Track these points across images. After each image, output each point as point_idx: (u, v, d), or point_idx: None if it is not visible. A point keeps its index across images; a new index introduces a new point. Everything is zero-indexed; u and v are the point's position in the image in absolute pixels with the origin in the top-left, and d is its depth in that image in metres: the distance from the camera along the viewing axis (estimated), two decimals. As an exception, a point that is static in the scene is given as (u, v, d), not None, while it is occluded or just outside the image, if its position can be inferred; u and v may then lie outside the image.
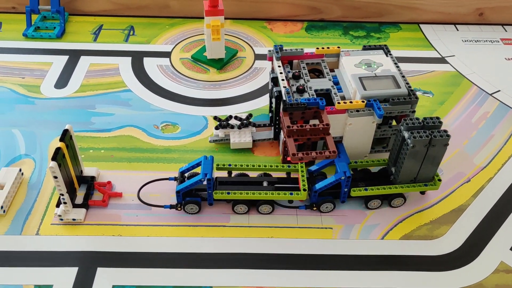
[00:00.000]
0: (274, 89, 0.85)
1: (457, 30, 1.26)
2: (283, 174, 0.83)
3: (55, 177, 0.70)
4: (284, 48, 0.89)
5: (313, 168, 0.81)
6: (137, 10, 1.27)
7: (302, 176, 0.78)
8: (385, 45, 0.91)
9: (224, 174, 0.83)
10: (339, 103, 0.79)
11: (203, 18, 1.24)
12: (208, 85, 1.06)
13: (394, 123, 0.86)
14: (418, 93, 1.05)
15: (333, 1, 1.26)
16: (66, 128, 0.75)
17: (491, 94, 1.05)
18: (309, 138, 0.75)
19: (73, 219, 0.76)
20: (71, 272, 0.70)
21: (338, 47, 0.90)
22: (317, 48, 0.90)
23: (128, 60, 1.12)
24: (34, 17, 1.22)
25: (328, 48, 0.89)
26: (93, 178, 0.82)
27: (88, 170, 0.83)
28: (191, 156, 0.89)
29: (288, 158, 0.73)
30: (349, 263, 0.73)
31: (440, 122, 0.73)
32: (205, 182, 0.75)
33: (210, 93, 1.04)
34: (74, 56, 1.12)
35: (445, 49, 1.19)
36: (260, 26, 1.26)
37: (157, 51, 1.15)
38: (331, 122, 0.77)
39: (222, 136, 0.90)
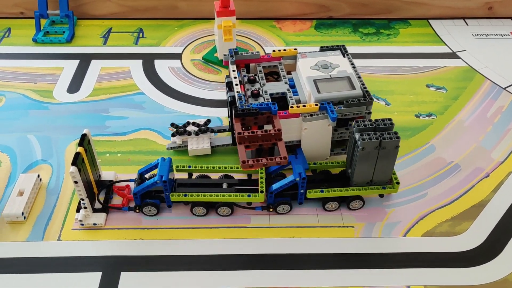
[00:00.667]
0: (228, 94, 0.83)
1: (467, 24, 1.26)
2: (244, 176, 0.82)
3: (76, 182, 0.70)
4: (239, 52, 0.88)
5: (271, 169, 0.80)
6: (145, 12, 1.26)
7: (261, 178, 0.78)
8: (343, 45, 0.89)
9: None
10: (292, 107, 0.78)
11: (212, 18, 1.24)
12: (221, 86, 1.06)
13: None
14: (431, 89, 1.05)
15: (342, -2, 1.26)
16: (84, 132, 0.75)
17: (504, 88, 1.05)
18: (260, 144, 0.73)
19: (94, 224, 0.76)
20: (95, 277, 0.70)
21: (295, 49, 0.88)
22: (273, 51, 0.88)
23: (139, 62, 1.12)
24: (43, 22, 1.22)
25: (284, 50, 0.88)
26: (111, 182, 0.82)
27: (106, 174, 0.83)
28: (207, 158, 0.89)
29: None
30: (373, 262, 0.72)
31: (392, 124, 0.72)
32: (161, 184, 0.75)
33: (223, 94, 1.03)
34: (84, 60, 1.12)
35: (456, 44, 1.18)
36: (269, 25, 1.25)
37: (167, 53, 1.15)
38: (287, 127, 0.77)
39: (179, 143, 0.89)
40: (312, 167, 0.81)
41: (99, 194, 0.79)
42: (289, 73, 0.88)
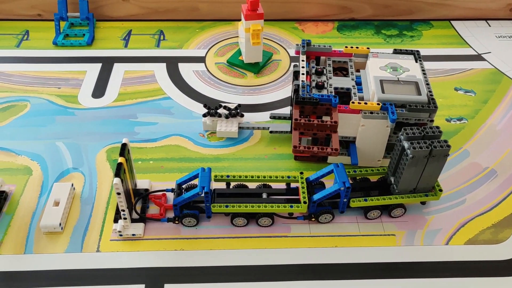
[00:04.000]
0: (294, 82, 0.85)
1: (489, 26, 1.25)
2: (282, 184, 0.81)
3: (118, 194, 0.69)
4: (312, 44, 0.89)
5: (311, 177, 0.79)
6: (166, 14, 1.24)
7: (303, 188, 0.77)
8: (417, 51, 0.89)
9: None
10: (353, 102, 0.78)
11: (232, 20, 1.23)
12: (248, 90, 1.04)
13: None
14: (459, 92, 1.04)
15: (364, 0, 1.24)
16: (124, 142, 0.73)
17: (533, 91, 1.05)
18: (315, 133, 0.75)
19: (133, 235, 0.75)
20: (138, 290, 0.69)
21: (368, 48, 0.89)
22: (346, 47, 0.89)
23: (162, 66, 1.10)
24: (61, 24, 1.20)
25: (357, 48, 0.89)
26: (147, 190, 0.81)
27: (141, 182, 0.82)
28: (241, 165, 0.87)
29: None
30: (416, 271, 0.72)
31: (440, 132, 0.71)
32: (203, 195, 0.74)
33: (251, 98, 1.02)
34: (107, 63, 1.10)
35: (480, 46, 1.18)
36: (291, 27, 1.24)
37: (191, 56, 1.13)
38: (345, 121, 0.77)
39: (209, 124, 0.92)
40: (352, 174, 0.80)
41: (136, 203, 0.78)
42: (358, 70, 0.89)
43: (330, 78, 0.85)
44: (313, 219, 0.77)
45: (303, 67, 0.85)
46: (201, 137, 0.93)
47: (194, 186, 0.79)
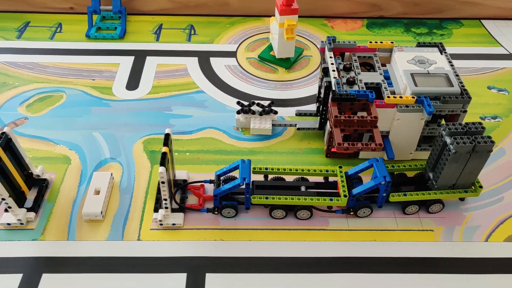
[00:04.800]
0: (324, 79, 0.85)
1: (520, 25, 1.25)
2: (320, 179, 0.82)
3: (163, 183, 0.70)
4: (337, 40, 0.89)
5: (350, 171, 0.80)
6: (196, 9, 1.25)
7: (342, 181, 0.77)
8: (440, 43, 0.89)
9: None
10: (388, 97, 0.78)
11: (262, 16, 1.24)
12: (279, 84, 1.05)
13: (443, 122, 0.84)
14: (492, 91, 1.04)
15: (394, -3, 1.24)
16: (167, 132, 0.74)
17: None
18: (356, 129, 0.75)
19: (173, 224, 0.76)
20: (180, 278, 0.70)
21: (392, 42, 0.89)
22: (370, 42, 0.89)
23: (194, 60, 1.11)
24: (93, 18, 1.21)
25: (381, 42, 0.89)
26: (185, 181, 0.82)
27: (179, 173, 0.83)
28: (276, 158, 0.88)
29: (333, 149, 0.72)
30: (456, 266, 0.72)
31: (483, 128, 0.71)
32: (243, 186, 0.74)
33: (283, 93, 1.03)
34: (139, 56, 1.11)
35: None
36: (320, 23, 1.24)
37: (222, 50, 1.14)
38: (380, 116, 0.77)
39: (243, 121, 0.93)
40: (390, 170, 0.80)
41: (175, 193, 0.79)
42: (383, 65, 0.89)
43: (359, 73, 0.85)
44: (351, 213, 0.77)
45: (332, 63, 0.85)
46: (236, 130, 0.93)
47: (233, 178, 0.80)
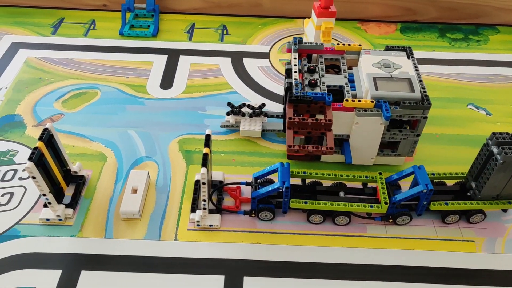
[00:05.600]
0: (286, 80, 0.84)
1: (558, 33, 1.23)
2: (358, 184, 0.81)
3: (204, 183, 0.69)
4: (304, 42, 0.88)
5: (390, 178, 0.78)
6: (228, 9, 1.25)
7: (382, 188, 0.76)
8: (409, 47, 0.87)
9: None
10: (347, 100, 0.77)
11: (294, 18, 1.23)
12: (314, 87, 1.04)
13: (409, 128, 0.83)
14: (531, 100, 1.02)
15: (429, 2, 1.22)
16: (207, 133, 0.74)
17: None
18: (309, 132, 0.73)
19: (210, 225, 0.75)
20: (218, 280, 0.69)
21: (360, 45, 0.88)
22: (338, 44, 0.88)
23: (227, 60, 1.11)
24: (126, 15, 1.21)
25: (349, 45, 0.88)
26: (221, 182, 0.81)
27: (215, 174, 0.82)
28: (310, 162, 0.87)
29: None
30: (499, 279, 0.70)
31: None
32: (281, 190, 0.74)
33: (317, 96, 1.02)
34: (173, 55, 1.11)
35: (550, 54, 1.15)
36: (353, 26, 1.23)
37: (255, 51, 1.14)
38: (339, 119, 0.77)
39: (233, 123, 0.91)
40: (430, 177, 0.79)
41: (212, 194, 0.79)
42: (350, 68, 0.88)
43: (323, 76, 0.84)
44: (390, 220, 0.76)
45: (295, 65, 0.84)
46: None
47: (269, 181, 0.79)
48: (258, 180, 0.79)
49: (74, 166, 0.81)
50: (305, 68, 0.85)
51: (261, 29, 1.21)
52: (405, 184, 0.81)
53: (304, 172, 0.79)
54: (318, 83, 0.82)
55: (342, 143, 0.84)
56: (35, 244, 0.73)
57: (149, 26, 1.19)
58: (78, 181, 0.81)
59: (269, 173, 0.78)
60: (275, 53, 1.13)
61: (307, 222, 0.77)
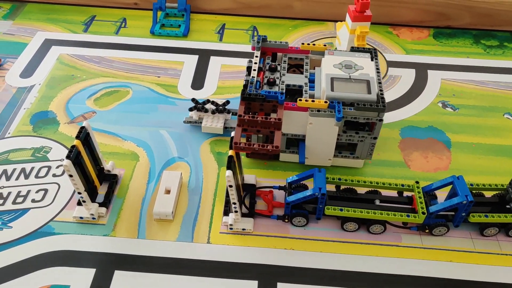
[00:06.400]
0: (244, 78, 0.83)
1: None
2: (394, 192, 0.79)
3: (230, 186, 0.69)
4: (269, 40, 0.88)
5: (426, 187, 0.77)
6: (259, 10, 1.24)
7: (420, 197, 0.74)
8: (374, 49, 0.86)
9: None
10: (300, 100, 0.76)
11: (325, 20, 1.22)
12: (345, 92, 1.03)
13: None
14: None
15: (464, 7, 1.20)
16: (232, 136, 0.73)
17: None
18: (258, 130, 0.73)
19: (243, 229, 0.75)
20: (251, 285, 0.69)
21: (325, 45, 0.86)
22: (303, 44, 0.87)
23: (258, 62, 1.10)
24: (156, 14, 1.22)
25: (314, 44, 0.87)
26: (253, 186, 0.81)
27: (247, 177, 0.82)
28: (343, 168, 0.86)
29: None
30: (539, 295, 0.69)
31: None
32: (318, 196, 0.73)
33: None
34: (203, 55, 1.11)
35: None
36: (385, 31, 1.22)
37: (285, 53, 1.13)
38: (293, 119, 0.77)
39: (196, 119, 0.91)
40: (469, 188, 0.77)
41: (245, 198, 0.78)
42: (313, 68, 0.87)
43: (284, 75, 0.83)
44: (426, 231, 0.75)
45: (255, 63, 0.84)
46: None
47: (303, 186, 0.79)
48: (292, 185, 0.79)
49: (107, 165, 0.82)
50: (267, 67, 0.85)
51: (292, 31, 1.20)
52: (440, 195, 0.79)
53: (339, 179, 0.78)
54: (277, 82, 0.82)
55: (298, 142, 0.84)
56: (69, 242, 0.73)
57: (179, 25, 1.19)
58: (111, 180, 0.81)
59: (303, 178, 0.77)
60: (306, 56, 1.12)
61: (340, 229, 0.76)
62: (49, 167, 0.84)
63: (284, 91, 0.79)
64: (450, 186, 0.76)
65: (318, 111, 0.76)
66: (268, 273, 0.70)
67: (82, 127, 0.73)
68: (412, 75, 1.08)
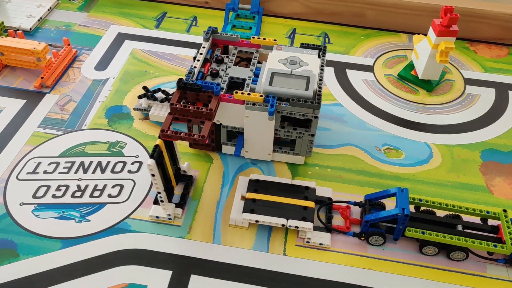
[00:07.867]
0: (188, 68, 0.82)
1: None
2: (477, 219, 0.76)
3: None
4: (219, 33, 0.88)
5: None
6: (330, 16, 1.22)
7: (508, 227, 0.70)
8: (324, 46, 0.85)
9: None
10: (236, 92, 0.75)
11: (398, 31, 1.19)
12: (421, 107, 0.99)
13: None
14: None
15: (548, 27, 1.15)
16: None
17: None
18: (189, 120, 0.72)
19: (320, 244, 0.73)
20: (329, 304, 0.67)
21: (275, 40, 0.86)
22: (253, 37, 0.87)
23: (330, 70, 1.08)
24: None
25: (264, 39, 0.86)
26: (330, 199, 0.79)
27: (322, 190, 0.80)
28: (423, 188, 0.83)
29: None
30: None
31: None
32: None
33: (426, 117, 0.97)
34: (274, 60, 1.10)
35: None
36: (462, 46, 1.17)
37: (358, 63, 1.10)
38: (231, 111, 0.78)
39: (145, 106, 0.92)
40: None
41: (319, 211, 0.76)
42: (260, 62, 0.88)
43: (230, 67, 0.82)
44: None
45: (201, 53, 0.83)
46: (378, 151, 0.89)
47: (380, 204, 0.76)
48: (369, 202, 0.76)
49: (183, 165, 0.81)
50: (214, 58, 0.85)
51: (364, 40, 1.18)
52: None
53: (420, 200, 0.75)
54: (220, 74, 0.81)
55: (237, 135, 0.84)
56: (145, 241, 0.73)
57: (250, 27, 1.18)
58: (187, 181, 0.80)
59: (383, 196, 0.74)
60: (379, 67, 1.09)
61: (419, 252, 0.73)
62: (125, 163, 0.84)
63: (226, 83, 0.80)
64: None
65: (254, 104, 0.76)
66: (346, 292, 0.68)
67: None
68: (492, 95, 1.03)
